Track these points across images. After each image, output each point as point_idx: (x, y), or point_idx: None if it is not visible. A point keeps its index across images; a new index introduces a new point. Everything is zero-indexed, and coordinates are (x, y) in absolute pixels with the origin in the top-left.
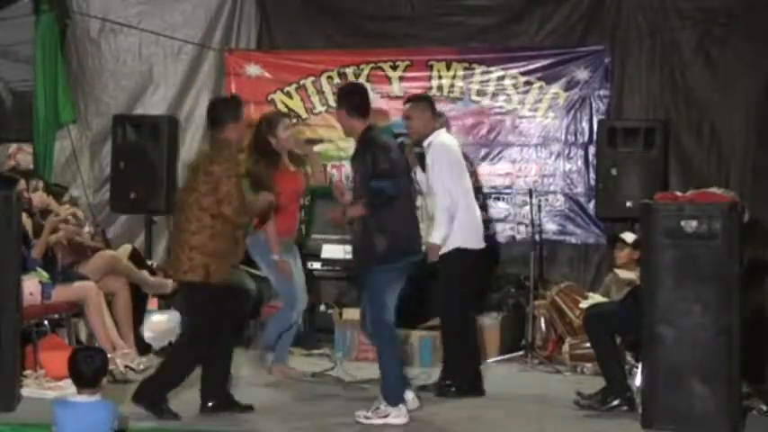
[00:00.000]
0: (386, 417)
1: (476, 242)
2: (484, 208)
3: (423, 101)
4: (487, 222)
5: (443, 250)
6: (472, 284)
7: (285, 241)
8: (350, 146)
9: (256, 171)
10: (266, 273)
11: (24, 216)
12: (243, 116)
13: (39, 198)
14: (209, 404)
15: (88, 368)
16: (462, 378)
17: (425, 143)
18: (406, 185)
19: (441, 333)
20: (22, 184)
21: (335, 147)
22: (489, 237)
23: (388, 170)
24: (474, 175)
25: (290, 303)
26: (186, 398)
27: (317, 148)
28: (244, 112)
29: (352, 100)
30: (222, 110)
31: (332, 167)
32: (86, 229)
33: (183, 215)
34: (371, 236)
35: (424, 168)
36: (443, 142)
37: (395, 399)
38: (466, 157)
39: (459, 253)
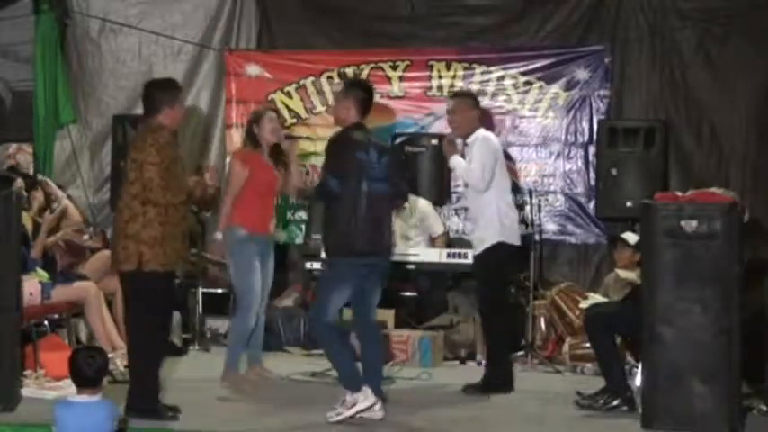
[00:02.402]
0: (354, 405)
1: (515, 238)
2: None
3: (468, 97)
4: (523, 220)
5: (484, 246)
6: (508, 279)
7: (259, 238)
8: None
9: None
10: (230, 270)
11: (26, 215)
12: (179, 102)
13: (41, 198)
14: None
15: (89, 368)
16: (510, 371)
17: (470, 139)
18: (369, 188)
19: (484, 329)
20: (19, 182)
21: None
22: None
23: (337, 167)
24: (513, 172)
25: (246, 306)
26: (176, 397)
27: (319, 146)
28: (180, 98)
29: (361, 94)
30: (157, 94)
31: None
32: (85, 237)
33: (118, 206)
34: (325, 230)
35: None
36: (488, 137)
37: (354, 385)
38: (508, 156)
39: (499, 247)
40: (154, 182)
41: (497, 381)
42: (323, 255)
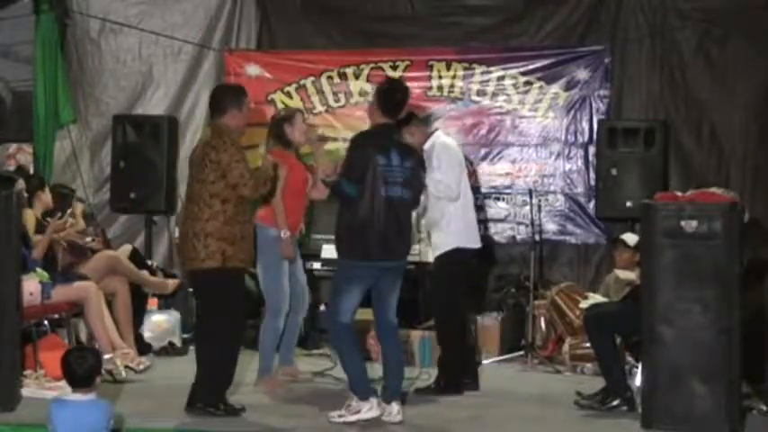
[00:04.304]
0: (358, 412)
1: (472, 241)
2: (482, 208)
3: (421, 124)
4: (483, 222)
5: (441, 251)
6: (466, 284)
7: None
8: None
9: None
10: (259, 272)
11: (29, 212)
12: (246, 105)
13: (45, 200)
14: (198, 405)
15: (80, 368)
16: (459, 375)
17: (427, 145)
18: (388, 192)
19: (436, 334)
20: (21, 183)
21: (335, 146)
22: (484, 237)
23: (353, 170)
24: (473, 174)
25: (278, 307)
26: (182, 398)
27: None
28: (247, 102)
29: (390, 94)
30: (225, 96)
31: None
32: (88, 238)
33: (195, 206)
34: (336, 229)
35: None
36: (446, 143)
37: (363, 393)
38: (465, 157)
39: (456, 253)
40: (245, 177)
41: (447, 383)
42: (326, 254)
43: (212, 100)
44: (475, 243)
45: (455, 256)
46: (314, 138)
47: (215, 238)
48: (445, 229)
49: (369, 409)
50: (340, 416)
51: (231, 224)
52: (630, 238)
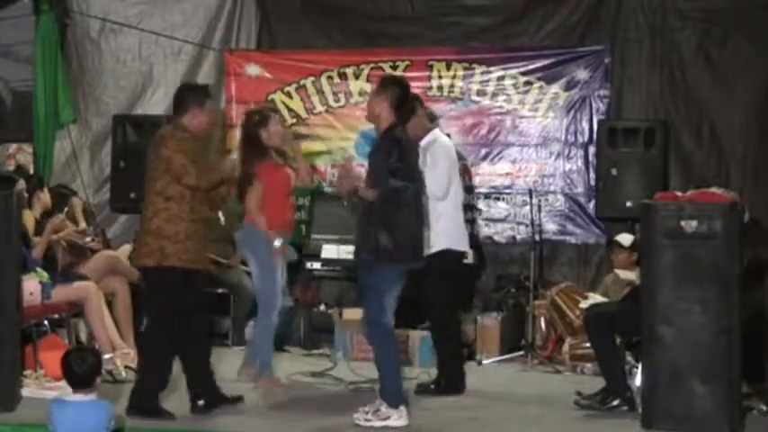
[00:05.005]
0: (387, 419)
1: (462, 244)
2: (475, 207)
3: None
4: (472, 223)
5: (430, 251)
6: (456, 284)
7: (282, 234)
8: (350, 144)
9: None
10: (252, 270)
11: (27, 213)
12: (207, 105)
13: (44, 200)
14: (200, 403)
15: (80, 368)
16: (459, 375)
17: (424, 142)
18: (418, 192)
19: (432, 335)
20: (21, 183)
21: (335, 146)
22: (474, 237)
23: (407, 172)
24: (468, 173)
25: (270, 306)
26: (179, 398)
27: (318, 146)
28: (209, 102)
29: (397, 91)
30: (187, 95)
31: (332, 167)
32: (88, 238)
33: (144, 206)
34: (375, 231)
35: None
36: (445, 143)
37: (395, 401)
38: (461, 156)
39: (445, 254)
40: (186, 167)
41: (446, 383)
42: (326, 254)
43: (175, 99)
44: (464, 246)
45: (445, 257)
46: (290, 138)
47: (154, 236)
48: (434, 227)
49: (398, 418)
50: (367, 420)
51: (175, 222)
52: (625, 239)
